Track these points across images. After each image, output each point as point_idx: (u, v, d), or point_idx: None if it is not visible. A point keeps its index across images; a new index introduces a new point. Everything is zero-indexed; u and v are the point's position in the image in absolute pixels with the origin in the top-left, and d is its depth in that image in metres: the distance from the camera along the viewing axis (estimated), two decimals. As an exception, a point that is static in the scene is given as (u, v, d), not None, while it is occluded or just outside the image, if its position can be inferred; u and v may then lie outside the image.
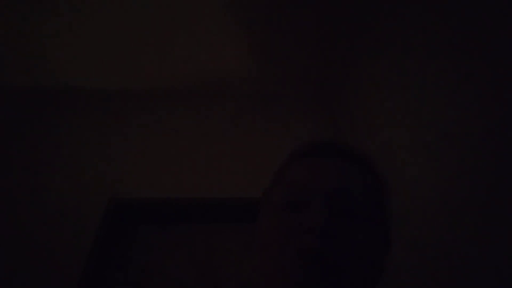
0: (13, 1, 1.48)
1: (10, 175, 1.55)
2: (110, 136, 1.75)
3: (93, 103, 1.90)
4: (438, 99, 0.96)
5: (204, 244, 1.49)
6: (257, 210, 0.46)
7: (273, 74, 1.91)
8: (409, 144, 1.10)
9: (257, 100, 2.00)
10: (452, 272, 0.82)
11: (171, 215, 1.53)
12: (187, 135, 1.80)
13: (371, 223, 0.38)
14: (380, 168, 0.46)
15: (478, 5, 0.82)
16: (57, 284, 1.23)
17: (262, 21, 1.61)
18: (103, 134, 1.76)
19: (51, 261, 1.28)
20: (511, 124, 0.68)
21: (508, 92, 0.70)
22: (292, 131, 1.87)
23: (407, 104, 1.14)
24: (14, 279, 1.23)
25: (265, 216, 0.42)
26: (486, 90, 0.77)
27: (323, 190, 0.38)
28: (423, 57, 1.06)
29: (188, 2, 1.52)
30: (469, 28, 0.85)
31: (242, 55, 1.78)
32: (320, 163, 0.42)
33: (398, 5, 1.24)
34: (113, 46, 1.71)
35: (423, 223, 0.96)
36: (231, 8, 1.55)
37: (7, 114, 1.80)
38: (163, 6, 1.54)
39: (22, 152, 1.64)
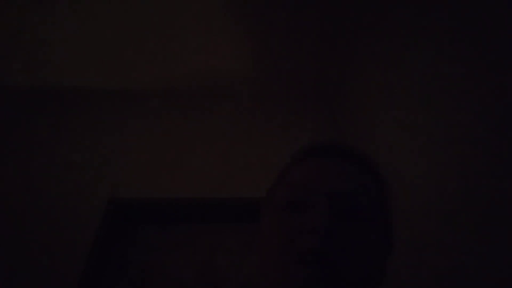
0: (13, 1, 1.48)
1: (10, 175, 1.55)
2: (110, 136, 1.75)
3: (92, 103, 1.90)
4: (438, 99, 0.96)
5: (204, 244, 1.49)
6: (259, 210, 0.47)
7: (273, 74, 1.91)
8: (409, 144, 1.10)
9: (257, 100, 2.00)
10: (452, 272, 0.82)
11: (171, 215, 1.53)
12: (187, 135, 1.80)
13: (372, 224, 0.38)
14: (381, 168, 0.46)
15: (478, 5, 0.82)
16: (57, 284, 1.23)
17: (262, 21, 1.61)
18: (103, 134, 1.76)
19: (51, 261, 1.28)
20: (511, 124, 0.69)
21: (508, 92, 0.70)
22: (292, 131, 1.87)
23: (407, 104, 1.14)
24: (14, 279, 1.23)
25: (267, 217, 0.43)
26: (486, 90, 0.77)
27: (324, 190, 0.38)
28: (423, 57, 1.06)
29: (188, 2, 1.52)
30: (470, 27, 0.85)
31: (242, 55, 1.78)
32: (321, 164, 0.42)
33: (398, 4, 1.24)
34: (113, 46, 1.71)
35: (423, 223, 0.96)
36: (231, 8, 1.55)
37: (7, 114, 1.80)
38: (163, 6, 1.54)
39: (22, 152, 1.64)
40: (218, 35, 1.67)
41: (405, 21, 1.19)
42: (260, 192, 1.56)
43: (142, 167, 1.64)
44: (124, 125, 1.81)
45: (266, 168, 1.67)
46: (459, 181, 0.84)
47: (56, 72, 1.83)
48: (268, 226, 0.41)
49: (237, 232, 1.53)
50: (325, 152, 0.44)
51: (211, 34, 1.67)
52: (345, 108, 1.78)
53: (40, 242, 1.34)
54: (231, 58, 1.80)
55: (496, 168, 0.72)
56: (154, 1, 1.52)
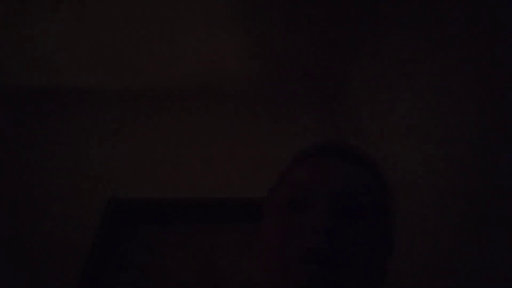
0: (13, 1, 1.48)
1: (10, 175, 1.55)
2: (110, 136, 1.75)
3: (93, 103, 1.90)
4: (438, 98, 0.97)
5: (204, 244, 1.49)
6: (261, 210, 0.47)
7: (273, 74, 1.91)
8: (410, 144, 1.10)
9: (257, 100, 2.00)
10: (452, 272, 0.82)
11: (171, 215, 1.53)
12: (187, 135, 1.80)
13: (373, 223, 0.38)
14: (382, 168, 0.46)
15: (479, 4, 0.82)
16: (57, 284, 1.23)
17: (262, 21, 1.61)
18: (103, 134, 1.76)
19: (51, 261, 1.28)
20: (511, 124, 0.69)
21: (508, 92, 0.70)
22: (292, 131, 1.87)
23: (407, 104, 1.14)
24: (14, 279, 1.23)
25: (268, 216, 0.43)
26: (487, 90, 0.77)
27: (325, 190, 0.38)
28: (423, 57, 1.06)
29: (188, 2, 1.52)
30: (470, 27, 0.85)
31: (242, 55, 1.78)
32: (322, 164, 0.42)
33: (398, 4, 1.24)
34: (113, 46, 1.71)
35: (423, 223, 0.96)
36: (231, 8, 1.55)
37: (7, 114, 1.80)
38: (163, 6, 1.54)
39: (22, 152, 1.64)
40: (218, 35, 1.67)
41: (405, 20, 1.19)
42: (260, 192, 1.55)
43: (142, 167, 1.64)
44: (124, 125, 1.81)
45: (266, 168, 1.66)
46: (459, 181, 0.84)
47: (56, 72, 1.83)
48: (269, 226, 0.41)
49: (237, 232, 1.53)
50: (326, 152, 0.44)
51: (211, 34, 1.67)
52: (346, 108, 1.78)
53: (40, 242, 1.34)
54: (231, 58, 1.80)
55: (496, 168, 0.72)
56: (154, 1, 1.52)
